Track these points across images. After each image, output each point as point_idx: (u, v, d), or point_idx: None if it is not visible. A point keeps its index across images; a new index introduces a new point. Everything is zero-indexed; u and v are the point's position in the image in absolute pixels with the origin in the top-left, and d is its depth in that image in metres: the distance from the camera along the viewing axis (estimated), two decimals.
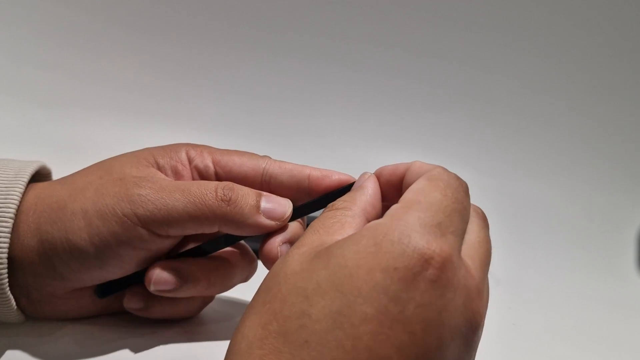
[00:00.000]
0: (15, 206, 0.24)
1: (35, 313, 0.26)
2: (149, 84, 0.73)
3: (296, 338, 0.17)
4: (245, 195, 0.25)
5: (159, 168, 0.26)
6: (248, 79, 0.74)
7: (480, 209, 0.24)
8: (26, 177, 0.25)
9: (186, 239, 0.27)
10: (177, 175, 0.26)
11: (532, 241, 0.63)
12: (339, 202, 0.23)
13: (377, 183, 0.25)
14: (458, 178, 0.23)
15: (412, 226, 0.19)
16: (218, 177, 0.27)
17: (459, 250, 0.20)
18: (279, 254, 0.25)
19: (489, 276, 0.44)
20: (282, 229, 0.25)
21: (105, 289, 0.26)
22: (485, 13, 0.73)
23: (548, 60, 0.74)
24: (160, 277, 0.25)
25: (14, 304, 0.24)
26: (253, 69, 0.75)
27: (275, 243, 0.25)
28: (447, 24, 0.74)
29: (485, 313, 0.20)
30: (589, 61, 0.74)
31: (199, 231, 0.25)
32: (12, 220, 0.24)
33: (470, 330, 0.19)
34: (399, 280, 0.18)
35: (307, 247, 0.20)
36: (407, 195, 0.21)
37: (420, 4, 0.73)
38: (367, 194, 0.24)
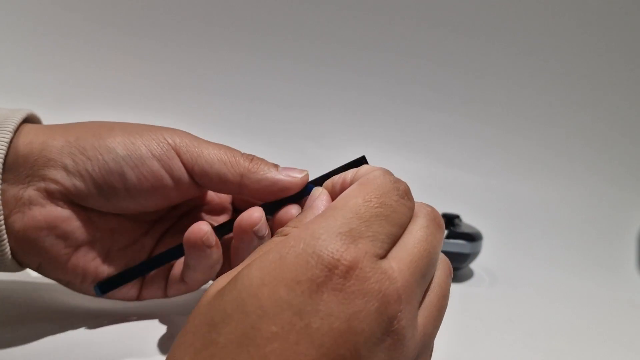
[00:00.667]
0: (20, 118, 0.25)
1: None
2: (147, 87, 0.73)
3: None
4: (265, 160, 0.27)
5: None
6: (247, 80, 0.75)
7: (432, 209, 0.23)
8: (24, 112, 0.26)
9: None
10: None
11: (531, 240, 0.63)
12: (287, 227, 0.22)
13: (328, 199, 0.24)
14: (395, 181, 0.22)
15: (319, 235, 0.19)
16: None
17: (375, 254, 0.19)
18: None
19: (487, 274, 0.44)
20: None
21: (105, 285, 0.26)
22: (484, 15, 0.74)
23: (548, 61, 0.74)
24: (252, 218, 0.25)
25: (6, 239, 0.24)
26: (252, 71, 0.75)
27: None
28: (447, 27, 0.74)
29: (418, 317, 0.20)
30: (589, 61, 0.74)
31: (221, 187, 0.26)
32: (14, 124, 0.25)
33: (390, 337, 0.18)
34: (302, 293, 0.17)
35: (229, 275, 0.20)
36: (332, 203, 0.21)
37: (417, 7, 0.74)
38: (318, 213, 0.23)
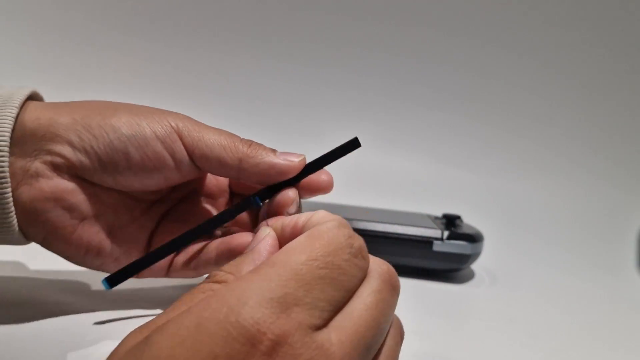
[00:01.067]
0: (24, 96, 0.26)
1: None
2: (148, 86, 0.73)
3: None
4: (263, 145, 0.28)
5: None
6: (247, 81, 0.75)
7: (388, 268, 0.21)
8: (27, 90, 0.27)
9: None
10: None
11: (532, 241, 0.63)
12: (221, 273, 0.20)
13: (275, 245, 0.22)
14: (349, 236, 0.20)
15: (246, 299, 0.16)
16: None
17: (311, 325, 0.17)
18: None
19: (487, 274, 0.44)
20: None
21: (113, 279, 0.26)
22: (484, 14, 0.74)
23: (548, 61, 0.74)
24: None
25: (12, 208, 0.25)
26: (252, 71, 0.75)
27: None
28: (447, 26, 0.74)
29: None
30: (588, 61, 0.74)
31: (220, 170, 0.27)
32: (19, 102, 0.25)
33: None
34: None
35: (147, 329, 0.18)
36: (273, 256, 0.18)
37: (417, 6, 0.74)
38: (259, 260, 0.21)
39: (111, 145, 0.25)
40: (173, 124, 0.26)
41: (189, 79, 0.73)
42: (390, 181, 0.72)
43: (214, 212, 0.31)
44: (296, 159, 0.27)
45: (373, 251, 0.44)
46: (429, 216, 0.50)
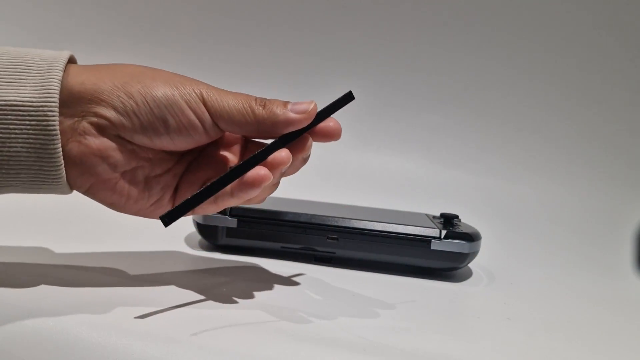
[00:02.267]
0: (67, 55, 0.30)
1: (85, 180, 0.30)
2: None
3: None
4: (276, 102, 0.31)
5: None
6: (247, 81, 0.75)
7: None
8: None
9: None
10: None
11: (528, 239, 0.63)
12: None
13: None
14: None
15: None
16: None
17: None
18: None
19: (485, 273, 0.44)
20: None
21: (169, 216, 0.29)
22: (484, 14, 0.74)
23: (547, 61, 0.75)
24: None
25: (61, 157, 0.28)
26: (251, 71, 0.75)
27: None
28: (447, 26, 0.74)
29: None
30: (588, 61, 0.74)
31: (244, 132, 0.31)
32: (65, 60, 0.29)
33: None
34: None
35: None
36: None
37: (417, 6, 0.74)
38: None
39: (152, 113, 0.29)
40: (198, 93, 0.30)
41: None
42: (389, 181, 0.72)
43: (231, 158, 0.34)
44: (309, 107, 0.31)
45: (372, 250, 0.45)
46: (427, 215, 0.50)
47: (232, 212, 0.43)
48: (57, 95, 0.28)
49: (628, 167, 0.75)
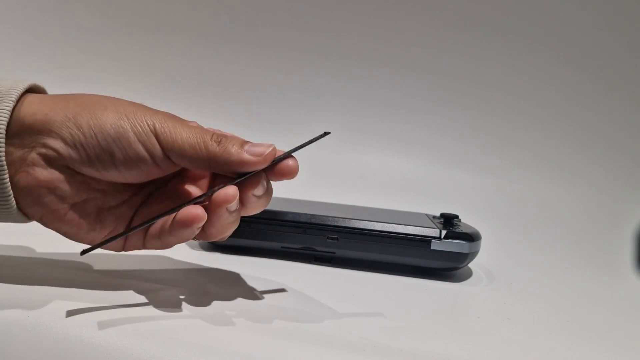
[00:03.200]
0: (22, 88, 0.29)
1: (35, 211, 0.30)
2: (148, 82, 0.73)
3: None
4: (233, 139, 0.30)
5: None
6: (246, 79, 0.75)
7: None
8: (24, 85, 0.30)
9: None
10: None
11: (528, 239, 0.63)
12: None
13: None
14: None
15: None
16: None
17: None
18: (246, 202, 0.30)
19: (485, 273, 0.44)
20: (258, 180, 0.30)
21: (89, 250, 0.29)
22: (484, 14, 0.74)
23: (547, 61, 0.75)
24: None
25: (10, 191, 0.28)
26: (251, 71, 0.75)
27: (248, 193, 0.30)
28: (447, 26, 0.74)
29: None
30: (587, 61, 0.74)
31: (195, 168, 0.30)
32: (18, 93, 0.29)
33: None
34: None
35: None
36: None
37: (417, 6, 0.74)
38: None
39: (99, 145, 0.29)
40: (151, 125, 0.29)
41: (186, 77, 0.74)
42: (389, 181, 0.72)
43: (195, 192, 0.34)
44: (266, 150, 0.29)
45: (371, 250, 0.45)
46: (427, 215, 0.50)
47: None
48: (4, 127, 0.28)
49: (628, 167, 0.75)
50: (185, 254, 0.43)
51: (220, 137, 0.30)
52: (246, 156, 0.29)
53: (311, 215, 0.43)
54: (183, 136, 0.29)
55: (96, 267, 0.37)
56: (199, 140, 0.29)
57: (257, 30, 0.74)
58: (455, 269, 0.45)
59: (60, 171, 0.29)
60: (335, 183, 0.71)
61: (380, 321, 0.33)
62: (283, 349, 0.27)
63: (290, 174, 0.31)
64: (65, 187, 0.29)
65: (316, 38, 0.75)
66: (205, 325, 0.29)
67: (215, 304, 0.32)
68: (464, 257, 0.43)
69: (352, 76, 0.75)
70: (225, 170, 0.30)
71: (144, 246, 0.32)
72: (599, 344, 0.34)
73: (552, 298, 0.43)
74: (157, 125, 0.29)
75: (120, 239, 0.31)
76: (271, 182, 0.31)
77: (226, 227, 0.31)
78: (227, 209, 0.29)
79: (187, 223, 0.29)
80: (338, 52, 0.75)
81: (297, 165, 0.31)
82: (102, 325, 0.27)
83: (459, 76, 0.75)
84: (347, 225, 0.43)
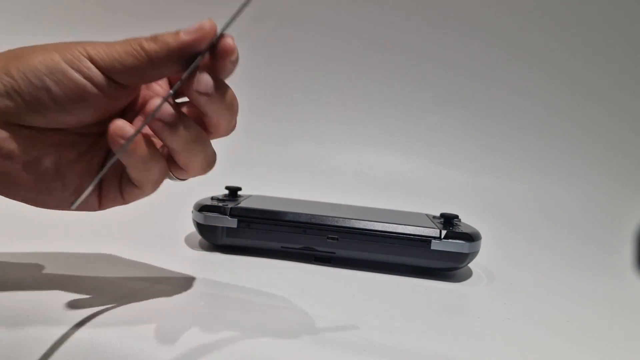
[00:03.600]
0: None
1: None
2: None
3: None
4: (167, 33, 0.27)
5: None
6: (246, 80, 0.75)
7: None
8: None
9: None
10: None
11: (528, 239, 0.63)
12: None
13: None
14: None
15: None
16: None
17: None
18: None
19: (485, 273, 0.44)
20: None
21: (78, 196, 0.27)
22: (484, 14, 0.74)
23: (546, 61, 0.75)
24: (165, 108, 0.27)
25: None
26: (251, 70, 0.75)
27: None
28: (447, 26, 0.74)
29: None
30: (588, 61, 0.74)
31: (140, 78, 0.28)
32: None
33: None
34: None
35: None
36: None
37: (417, 7, 0.74)
38: None
39: (31, 85, 0.26)
40: (81, 50, 0.27)
41: None
42: (389, 181, 0.72)
43: None
44: (202, 23, 0.27)
45: (371, 250, 0.45)
46: (427, 215, 0.50)
47: (232, 212, 0.43)
48: None
49: (628, 167, 0.75)
50: (185, 254, 0.43)
51: (155, 35, 0.27)
52: (184, 37, 0.27)
53: (311, 215, 0.43)
54: (118, 49, 0.27)
55: (95, 267, 0.37)
56: (134, 46, 0.27)
57: (257, 29, 0.74)
58: (455, 269, 0.45)
59: (2, 128, 0.27)
60: (336, 183, 0.71)
61: (380, 321, 0.33)
62: (283, 349, 0.27)
63: (232, 50, 0.28)
64: (10, 144, 0.27)
65: (316, 37, 0.75)
66: (204, 325, 0.29)
67: (215, 304, 0.32)
68: (464, 257, 0.43)
69: (352, 76, 0.75)
70: (174, 66, 0.27)
71: (123, 198, 0.30)
72: (599, 344, 0.34)
73: (552, 298, 0.43)
74: (89, 48, 0.27)
75: (94, 196, 0.30)
76: (219, 76, 0.28)
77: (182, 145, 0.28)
78: (162, 119, 0.27)
79: (111, 137, 0.27)
80: (338, 52, 0.75)
81: (234, 42, 0.28)
82: (101, 326, 0.27)
83: (459, 76, 0.75)
84: (347, 225, 0.43)
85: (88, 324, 0.27)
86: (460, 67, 0.75)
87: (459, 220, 0.47)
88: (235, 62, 0.28)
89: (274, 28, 0.75)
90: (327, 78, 0.75)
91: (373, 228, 0.43)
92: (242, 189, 0.50)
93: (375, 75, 0.76)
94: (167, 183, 0.32)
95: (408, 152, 0.75)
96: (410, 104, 0.76)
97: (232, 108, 0.29)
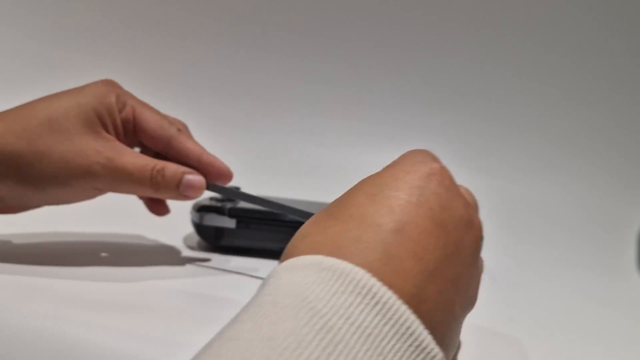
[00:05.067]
0: None
1: None
2: (146, 83, 0.73)
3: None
4: (170, 177, 0.34)
5: (105, 127, 0.33)
6: (246, 79, 0.75)
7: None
8: None
9: None
10: (115, 128, 0.34)
11: (530, 240, 0.63)
12: None
13: None
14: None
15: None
16: (135, 131, 0.35)
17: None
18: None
19: (486, 273, 0.44)
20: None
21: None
22: (484, 14, 0.74)
23: (547, 61, 0.75)
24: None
25: None
26: (251, 70, 0.75)
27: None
28: (447, 26, 0.74)
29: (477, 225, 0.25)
30: (587, 61, 0.74)
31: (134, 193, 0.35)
32: None
33: (472, 229, 0.24)
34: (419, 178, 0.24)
35: None
36: None
37: (417, 6, 0.74)
38: None
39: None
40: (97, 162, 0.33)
41: (185, 78, 0.73)
42: None
43: None
44: (198, 192, 0.35)
45: None
46: None
47: (231, 212, 0.43)
48: None
49: (630, 167, 0.74)
50: (184, 254, 0.43)
51: (159, 177, 0.33)
52: (183, 192, 0.34)
53: (311, 215, 0.43)
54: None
55: (93, 266, 0.36)
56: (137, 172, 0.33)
57: (256, 32, 0.74)
58: None
59: None
60: (336, 183, 0.71)
61: None
62: None
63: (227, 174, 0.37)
64: None
65: (315, 38, 0.75)
66: (204, 326, 0.29)
67: (215, 304, 0.32)
68: None
69: (352, 77, 0.75)
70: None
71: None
72: (600, 344, 0.34)
73: (553, 298, 0.43)
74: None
75: None
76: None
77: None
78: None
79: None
80: (337, 54, 0.75)
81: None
82: (100, 326, 0.27)
83: (458, 77, 0.75)
84: None
85: (85, 325, 0.27)
86: (460, 68, 0.75)
87: None
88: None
89: (273, 26, 0.75)
90: (327, 78, 0.75)
91: None
92: (241, 189, 0.49)
93: (375, 75, 0.75)
94: None
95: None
96: (411, 104, 0.76)
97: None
